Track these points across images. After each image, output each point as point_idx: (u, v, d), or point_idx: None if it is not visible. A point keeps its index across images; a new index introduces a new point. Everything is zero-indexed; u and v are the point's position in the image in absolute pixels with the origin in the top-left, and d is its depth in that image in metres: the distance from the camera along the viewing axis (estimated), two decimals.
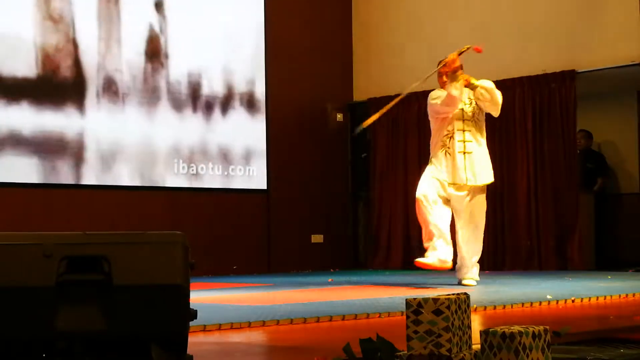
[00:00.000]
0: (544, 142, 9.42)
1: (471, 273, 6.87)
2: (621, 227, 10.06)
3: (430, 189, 6.72)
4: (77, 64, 8.47)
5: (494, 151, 9.71)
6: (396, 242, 10.44)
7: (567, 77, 9.28)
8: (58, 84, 8.34)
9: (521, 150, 9.53)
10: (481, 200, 6.86)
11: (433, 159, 6.87)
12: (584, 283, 6.99)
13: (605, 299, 5.60)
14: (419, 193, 6.72)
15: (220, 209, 9.82)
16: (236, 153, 9.93)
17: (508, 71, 9.66)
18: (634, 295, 5.84)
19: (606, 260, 9.61)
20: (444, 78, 6.80)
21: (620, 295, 5.75)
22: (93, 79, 8.48)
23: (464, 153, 6.75)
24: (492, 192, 9.74)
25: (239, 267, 9.82)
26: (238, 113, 10.00)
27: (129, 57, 8.97)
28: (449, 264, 6.77)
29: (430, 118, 6.97)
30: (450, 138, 6.77)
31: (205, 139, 9.69)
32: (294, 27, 10.71)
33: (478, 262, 6.90)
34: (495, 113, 6.88)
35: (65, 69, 8.36)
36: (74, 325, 2.56)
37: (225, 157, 9.84)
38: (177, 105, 9.47)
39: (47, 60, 8.20)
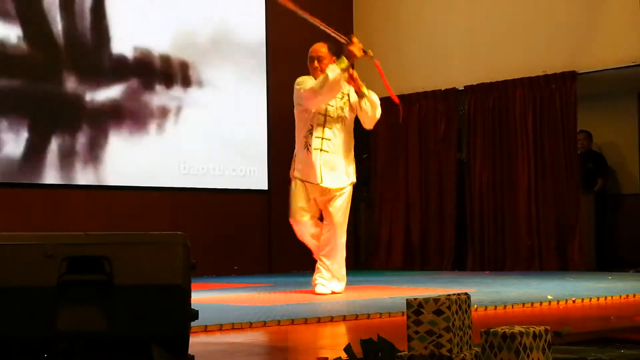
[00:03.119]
0: (544, 143, 9.42)
1: (322, 280, 6.34)
2: (621, 227, 10.07)
3: (299, 211, 6.31)
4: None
5: (495, 151, 9.78)
6: (397, 243, 10.44)
7: (568, 78, 9.28)
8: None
9: (522, 150, 9.54)
10: (340, 202, 6.33)
11: (295, 161, 6.40)
12: (585, 283, 6.99)
13: (605, 299, 5.61)
14: (290, 218, 6.38)
15: (222, 209, 9.82)
16: (237, 153, 9.92)
17: (509, 72, 9.67)
18: (634, 295, 5.84)
19: (607, 260, 9.62)
20: (316, 65, 6.29)
21: (620, 296, 5.76)
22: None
23: (320, 150, 6.25)
24: (493, 193, 9.79)
25: (240, 267, 9.82)
26: (239, 112, 10.00)
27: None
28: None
29: (295, 110, 6.41)
30: (310, 135, 6.27)
31: (207, 139, 9.69)
32: (294, 27, 10.69)
33: (334, 270, 6.36)
34: (368, 127, 6.49)
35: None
36: (75, 326, 2.57)
37: (226, 157, 9.84)
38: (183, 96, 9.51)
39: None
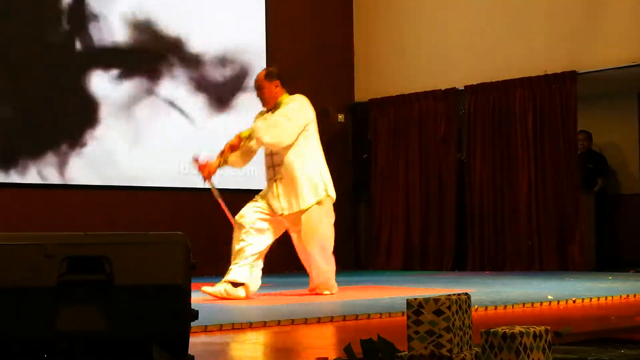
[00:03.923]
0: (544, 143, 9.41)
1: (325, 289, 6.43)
2: (621, 227, 10.06)
3: (250, 213, 6.23)
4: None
5: (495, 151, 9.77)
6: (397, 243, 10.43)
7: (568, 78, 9.27)
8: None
9: (522, 150, 9.53)
10: (315, 221, 6.30)
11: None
12: (585, 283, 6.99)
13: (606, 299, 5.61)
14: (237, 217, 6.27)
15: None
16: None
17: (509, 72, 9.67)
18: (634, 295, 5.84)
19: (607, 260, 9.61)
20: (258, 94, 6.29)
21: (621, 296, 5.75)
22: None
23: (274, 180, 6.22)
24: (493, 193, 9.79)
25: None
26: (239, 112, 9.99)
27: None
28: (241, 294, 6.10)
29: None
30: (266, 167, 6.34)
31: (207, 138, 9.69)
32: (295, 27, 10.71)
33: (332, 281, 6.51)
34: (283, 146, 6.13)
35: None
36: (75, 326, 2.57)
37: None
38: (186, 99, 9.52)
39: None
